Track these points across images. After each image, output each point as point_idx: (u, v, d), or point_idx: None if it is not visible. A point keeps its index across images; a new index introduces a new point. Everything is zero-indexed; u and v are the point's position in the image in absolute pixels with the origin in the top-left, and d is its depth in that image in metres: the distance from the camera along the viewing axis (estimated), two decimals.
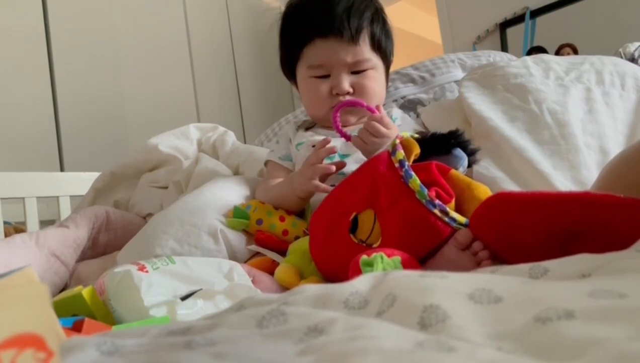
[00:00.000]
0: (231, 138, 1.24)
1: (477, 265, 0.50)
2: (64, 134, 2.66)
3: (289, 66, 0.94)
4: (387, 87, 0.96)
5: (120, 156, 1.31)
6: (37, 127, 2.56)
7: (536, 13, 3.30)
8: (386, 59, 0.91)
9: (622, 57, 2.50)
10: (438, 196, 0.55)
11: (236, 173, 1.10)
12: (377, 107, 0.81)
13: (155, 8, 3.21)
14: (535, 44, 3.25)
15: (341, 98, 0.85)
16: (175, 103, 3.19)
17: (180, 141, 1.21)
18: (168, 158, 1.16)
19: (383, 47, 0.88)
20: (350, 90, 0.85)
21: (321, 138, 0.83)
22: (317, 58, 0.86)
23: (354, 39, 0.83)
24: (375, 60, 0.87)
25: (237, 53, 3.68)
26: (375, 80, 0.87)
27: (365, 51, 0.85)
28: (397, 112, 0.97)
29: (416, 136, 0.63)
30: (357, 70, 0.86)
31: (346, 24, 0.83)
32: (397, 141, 0.59)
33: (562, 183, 0.67)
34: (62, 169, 2.60)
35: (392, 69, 1.21)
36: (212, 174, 1.03)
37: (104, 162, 1.60)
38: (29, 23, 2.61)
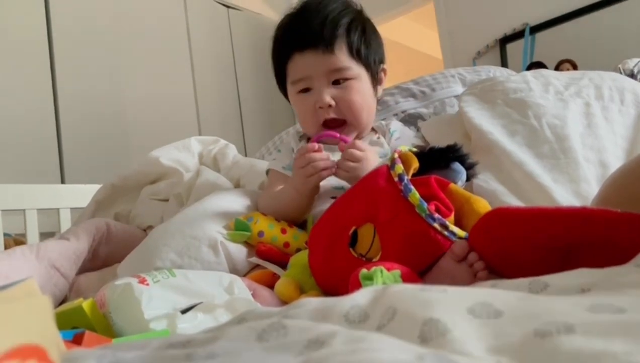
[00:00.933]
0: (232, 151, 1.25)
1: (474, 276, 0.50)
2: (65, 145, 2.66)
3: (281, 84, 0.95)
4: (378, 96, 0.94)
5: (121, 168, 1.31)
6: (38, 139, 2.57)
7: (536, 29, 3.33)
8: (369, 67, 0.89)
9: (621, 73, 2.51)
10: (437, 210, 0.55)
11: (237, 185, 1.10)
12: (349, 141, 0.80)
13: (159, 23, 3.24)
14: (535, 59, 3.27)
15: (325, 115, 0.85)
16: (176, 116, 3.21)
17: (182, 154, 1.21)
18: (169, 171, 1.17)
19: (363, 56, 0.87)
20: (332, 102, 0.84)
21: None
22: (297, 72, 0.87)
23: (329, 48, 0.83)
24: (356, 69, 0.86)
25: (238, 66, 3.70)
26: (357, 91, 0.86)
27: (342, 59, 0.84)
28: (395, 124, 0.97)
29: (414, 149, 0.63)
30: (337, 80, 0.85)
31: (320, 35, 0.83)
32: (396, 155, 0.59)
33: (563, 196, 0.67)
34: (63, 181, 2.60)
35: (392, 83, 1.22)
36: (213, 187, 1.03)
37: (105, 174, 1.60)
38: (31, 34, 2.63)
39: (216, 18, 3.65)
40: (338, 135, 0.81)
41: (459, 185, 0.62)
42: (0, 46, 2.49)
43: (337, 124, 0.87)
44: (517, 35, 3.39)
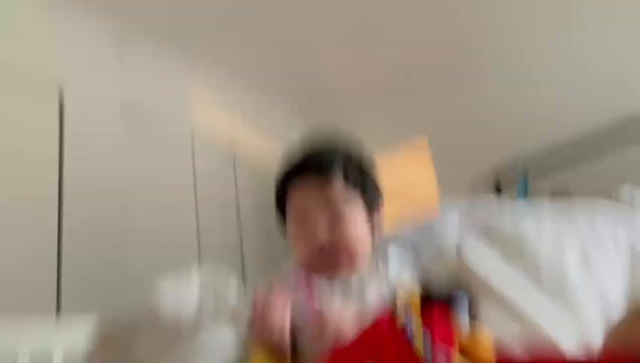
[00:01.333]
0: (234, 284, 1.23)
1: None
2: (65, 274, 2.63)
3: (282, 226, 0.96)
4: (375, 231, 0.94)
5: (119, 297, 1.28)
6: (37, 266, 2.55)
7: (528, 161, 3.44)
8: (365, 198, 0.90)
9: (617, 201, 2.56)
10: (441, 348, 0.54)
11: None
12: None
13: (166, 169, 3.38)
14: (530, 190, 3.34)
15: (319, 245, 0.85)
16: (177, 247, 3.22)
17: (182, 291, 1.20)
18: (168, 318, 1.15)
19: (359, 187, 0.89)
20: (326, 233, 0.85)
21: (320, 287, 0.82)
22: (294, 204, 0.89)
23: (325, 181, 0.86)
24: (351, 199, 0.87)
25: (241, 204, 3.79)
26: (352, 222, 0.86)
27: (338, 192, 0.86)
28: (393, 250, 0.96)
29: (416, 294, 0.63)
30: (331, 213, 0.86)
31: (315, 171, 0.87)
32: (399, 301, 0.59)
33: (566, 339, 0.66)
34: (58, 309, 2.53)
35: (390, 219, 1.24)
36: (214, 326, 1.01)
37: (102, 304, 1.56)
38: (43, 174, 2.73)
39: (222, 164, 3.81)
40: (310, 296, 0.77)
41: (461, 318, 0.61)
42: (10, 194, 2.56)
43: (331, 254, 0.86)
44: (511, 168, 3.50)
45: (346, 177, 0.87)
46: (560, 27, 3.17)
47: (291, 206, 0.90)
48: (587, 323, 0.69)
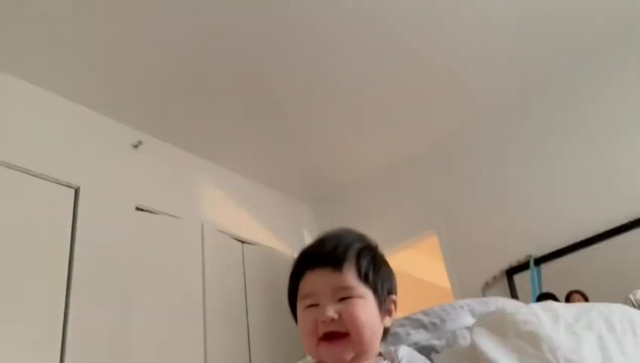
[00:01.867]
0: None
1: None
2: None
3: (293, 307, 0.96)
4: (387, 326, 0.93)
5: None
6: None
7: (540, 260, 3.41)
8: (377, 293, 0.90)
9: (632, 303, 2.49)
10: None
11: None
12: None
13: (176, 256, 3.38)
14: (544, 289, 3.28)
15: (326, 328, 0.84)
16: (183, 346, 3.13)
17: None
18: None
19: (371, 281, 0.90)
20: (335, 316, 0.84)
21: None
22: (306, 288, 0.89)
23: (338, 267, 0.87)
24: (363, 290, 0.88)
25: (249, 298, 3.73)
26: (363, 308, 0.86)
27: (350, 279, 0.87)
28: (404, 350, 0.94)
29: None
30: (343, 297, 0.86)
31: (331, 256, 0.89)
32: None
33: None
34: None
35: (403, 312, 1.22)
36: None
37: None
38: (52, 279, 2.74)
39: (231, 252, 3.82)
40: None
41: None
42: (18, 296, 2.57)
43: (338, 337, 0.85)
44: (523, 266, 3.47)
45: (359, 268, 0.89)
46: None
47: (302, 292, 0.90)
48: None
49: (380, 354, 0.93)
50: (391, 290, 0.95)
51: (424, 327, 1.18)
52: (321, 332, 0.85)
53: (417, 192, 4.26)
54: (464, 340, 1.08)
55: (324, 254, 0.90)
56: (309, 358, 1.25)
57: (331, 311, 0.85)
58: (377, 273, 0.91)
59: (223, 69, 3.26)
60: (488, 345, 0.86)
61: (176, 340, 3.11)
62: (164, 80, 3.28)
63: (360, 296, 0.87)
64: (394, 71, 3.48)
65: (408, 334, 1.16)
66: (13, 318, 2.48)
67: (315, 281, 0.89)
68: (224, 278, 3.62)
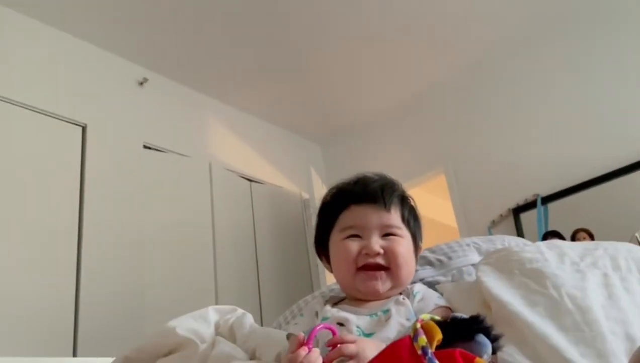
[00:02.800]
0: (249, 320, 1.23)
1: None
2: (82, 318, 2.64)
3: (322, 239, 1.00)
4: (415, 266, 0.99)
5: (135, 340, 1.28)
6: (55, 310, 2.57)
7: (547, 199, 3.42)
8: (414, 237, 0.97)
9: (638, 242, 2.51)
10: None
11: (253, 357, 1.07)
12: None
13: (186, 197, 3.42)
14: (550, 228, 3.31)
15: (370, 260, 0.89)
16: (194, 284, 3.21)
17: (198, 324, 1.19)
18: (184, 342, 1.14)
19: (411, 226, 0.96)
20: (381, 251, 0.89)
21: (347, 314, 0.83)
22: (351, 220, 0.93)
23: (386, 206, 0.92)
24: (405, 231, 0.94)
25: (258, 236, 3.79)
26: (405, 247, 0.92)
27: (395, 218, 0.93)
28: (419, 286, 0.97)
29: (437, 318, 0.63)
30: (387, 234, 0.92)
31: (379, 195, 0.93)
32: (419, 325, 0.59)
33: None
34: (74, 354, 2.53)
35: None
36: (228, 359, 1.00)
37: (118, 347, 1.56)
38: (64, 215, 2.78)
39: (239, 190, 3.85)
40: (337, 332, 0.75)
41: (484, 359, 0.60)
42: (30, 227, 2.61)
43: (377, 269, 0.90)
44: (530, 205, 3.48)
45: (402, 212, 0.95)
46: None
47: (346, 223, 0.94)
48: (613, 357, 0.67)
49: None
50: (421, 238, 1.01)
51: (430, 263, 1.19)
52: (362, 262, 0.90)
53: (426, 132, 4.23)
54: (470, 277, 1.10)
55: (372, 191, 0.94)
56: (317, 292, 1.27)
57: (377, 245, 0.90)
58: (416, 220, 0.98)
59: (231, 5, 3.16)
60: (493, 281, 0.87)
61: (187, 277, 3.19)
62: (170, 17, 3.20)
63: (403, 236, 0.93)
64: (400, 9, 3.37)
65: (415, 270, 1.18)
66: (25, 260, 2.54)
67: (363, 214, 0.92)
68: (232, 216, 3.67)
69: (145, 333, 2.64)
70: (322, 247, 1.01)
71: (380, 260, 0.90)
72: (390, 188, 0.95)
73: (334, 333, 0.75)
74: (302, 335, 0.71)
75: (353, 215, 0.93)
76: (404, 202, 0.96)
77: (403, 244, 0.92)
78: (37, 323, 2.45)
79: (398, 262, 0.90)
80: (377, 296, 0.90)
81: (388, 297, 0.91)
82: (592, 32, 3.49)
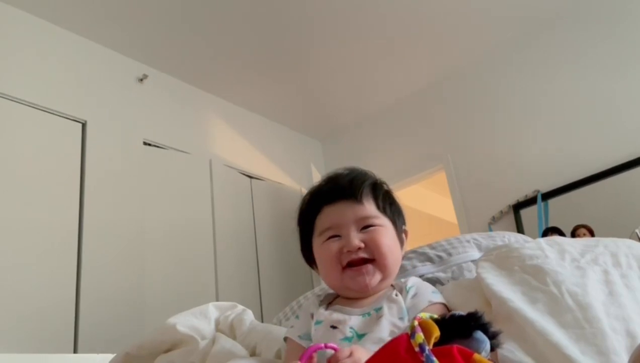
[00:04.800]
0: (249, 316, 1.23)
1: None
2: (82, 314, 2.65)
3: (306, 247, 0.99)
4: (402, 253, 0.98)
5: (135, 336, 1.29)
6: (55, 307, 2.57)
7: (547, 196, 3.42)
8: (394, 223, 0.95)
9: (638, 238, 2.51)
10: None
11: (253, 353, 1.07)
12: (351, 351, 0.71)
13: (186, 191, 3.41)
14: (550, 224, 3.31)
15: (353, 256, 0.88)
16: (195, 280, 3.22)
17: (199, 321, 1.19)
18: (184, 338, 1.14)
19: (388, 213, 0.94)
20: (361, 245, 0.88)
21: (340, 316, 0.83)
22: (326, 222, 0.92)
23: (358, 199, 0.91)
24: (383, 219, 0.92)
25: (258, 232, 3.80)
26: (385, 235, 0.90)
27: (370, 209, 0.91)
28: (413, 280, 0.95)
29: (435, 316, 0.62)
30: (365, 226, 0.90)
31: (349, 189, 0.92)
32: (416, 322, 0.59)
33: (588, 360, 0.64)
34: (75, 350, 2.54)
35: (409, 247, 1.24)
36: (228, 355, 1.00)
37: (118, 343, 1.57)
38: (64, 212, 2.77)
39: (239, 187, 3.85)
40: (337, 348, 0.72)
41: (483, 355, 0.60)
42: (31, 224, 2.61)
43: (362, 263, 0.89)
44: (530, 201, 3.48)
45: (376, 200, 0.93)
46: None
47: (322, 226, 0.93)
48: (614, 354, 0.67)
49: (391, 285, 0.95)
50: (403, 221, 0.99)
51: (429, 260, 1.19)
52: (345, 260, 0.89)
53: (426, 128, 4.22)
54: (470, 274, 1.10)
55: (340, 188, 0.93)
56: (317, 289, 1.28)
57: (356, 240, 0.88)
58: (392, 204, 0.96)
59: (231, 2, 3.15)
60: (493, 278, 0.87)
61: (187, 273, 3.19)
62: (169, 13, 3.19)
63: (382, 225, 0.91)
64: (401, 8, 3.36)
65: (414, 267, 1.18)
66: (26, 257, 2.54)
67: (336, 213, 0.91)
68: (233, 213, 3.67)
69: (145, 330, 2.64)
70: (308, 255, 1.00)
71: (363, 254, 0.88)
72: (359, 180, 0.93)
73: (335, 350, 0.72)
74: None
75: (327, 217, 0.92)
76: (377, 190, 0.94)
77: (383, 233, 0.90)
78: (38, 319, 2.45)
79: (382, 252, 0.89)
80: (368, 291, 0.89)
81: (380, 291, 0.91)
82: (592, 29, 3.48)
